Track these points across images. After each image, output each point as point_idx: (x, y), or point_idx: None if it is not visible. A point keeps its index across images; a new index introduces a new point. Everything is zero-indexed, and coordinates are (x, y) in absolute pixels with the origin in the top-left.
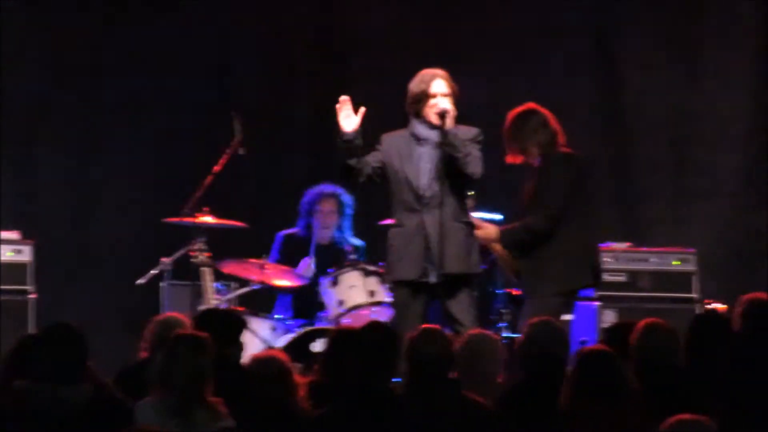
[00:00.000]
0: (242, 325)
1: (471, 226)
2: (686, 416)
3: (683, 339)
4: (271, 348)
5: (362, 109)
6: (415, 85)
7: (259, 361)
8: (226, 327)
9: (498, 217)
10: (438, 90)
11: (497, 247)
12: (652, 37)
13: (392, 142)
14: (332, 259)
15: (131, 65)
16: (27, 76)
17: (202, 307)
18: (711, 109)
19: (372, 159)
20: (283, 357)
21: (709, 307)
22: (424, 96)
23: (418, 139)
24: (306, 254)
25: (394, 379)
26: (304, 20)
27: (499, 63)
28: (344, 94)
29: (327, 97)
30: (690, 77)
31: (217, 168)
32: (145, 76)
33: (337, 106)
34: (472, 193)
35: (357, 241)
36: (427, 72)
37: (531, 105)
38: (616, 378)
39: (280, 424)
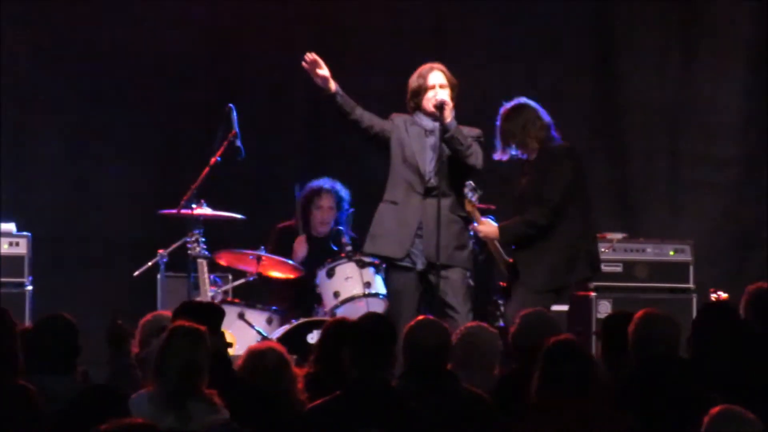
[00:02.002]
0: (222, 316)
1: (466, 220)
2: (731, 407)
3: (689, 329)
4: (266, 339)
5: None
6: (413, 80)
7: (256, 353)
8: (206, 318)
9: (491, 207)
10: (436, 81)
11: (492, 241)
12: (649, 28)
13: (403, 121)
14: (327, 253)
15: (128, 57)
16: (24, 67)
17: (184, 300)
18: (707, 100)
19: (378, 120)
20: (281, 348)
21: (714, 296)
22: (423, 89)
23: (425, 130)
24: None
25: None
26: (301, 13)
27: (497, 56)
28: (342, 84)
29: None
30: (686, 69)
31: (213, 160)
32: (142, 68)
33: (306, 65)
34: (479, 191)
35: (352, 235)
36: (425, 66)
37: (520, 100)
38: (584, 369)
39: (277, 416)
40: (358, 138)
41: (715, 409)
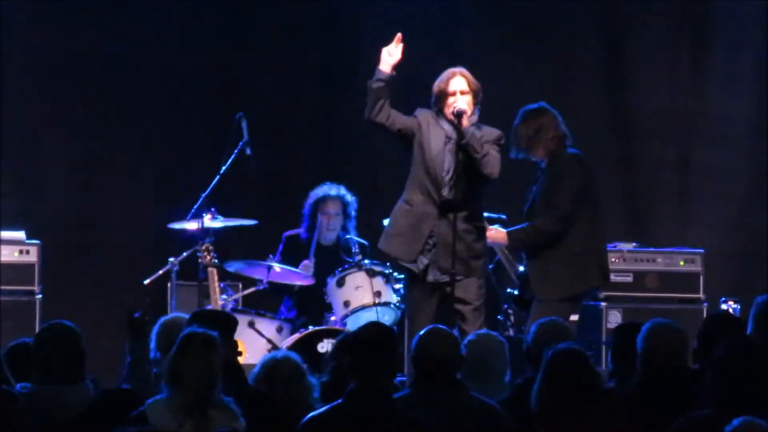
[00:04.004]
0: (234, 324)
1: (481, 229)
2: (751, 420)
3: (696, 340)
4: (275, 348)
5: (400, 45)
6: (436, 84)
7: (272, 362)
8: (219, 326)
9: (501, 217)
10: (456, 87)
11: (502, 247)
12: (659, 37)
13: (429, 120)
14: (336, 261)
15: (138, 65)
16: (32, 76)
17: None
18: (717, 109)
19: (400, 118)
20: (296, 357)
21: (725, 306)
22: (443, 94)
23: (446, 135)
24: (306, 256)
25: (397, 378)
26: (311, 19)
27: (506, 63)
28: (351, 92)
29: (333, 96)
30: (696, 78)
31: (225, 169)
32: (151, 76)
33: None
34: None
35: (360, 240)
36: (448, 71)
37: (541, 104)
38: (586, 379)
39: (291, 425)
40: (382, 134)
41: (735, 422)
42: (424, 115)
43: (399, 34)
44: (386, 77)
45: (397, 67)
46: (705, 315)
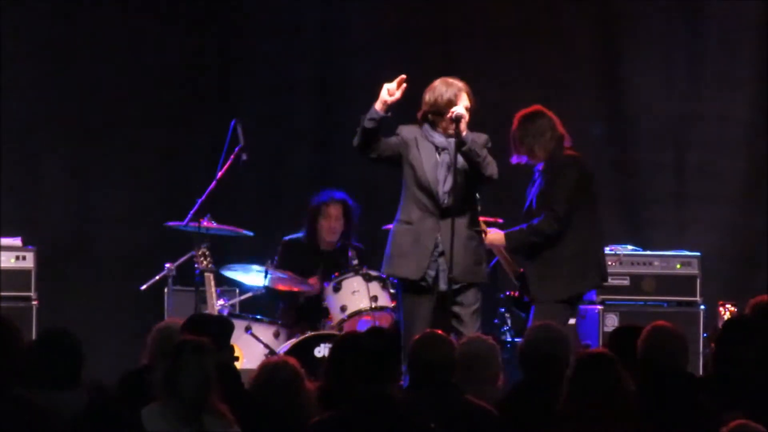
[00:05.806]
0: (231, 329)
1: (480, 234)
2: (748, 422)
3: (702, 344)
4: (272, 353)
5: (403, 84)
6: (439, 96)
7: (270, 367)
8: (216, 331)
9: (498, 220)
10: (464, 104)
11: (500, 249)
12: (655, 40)
13: (413, 137)
14: (334, 266)
15: (134, 71)
16: (28, 81)
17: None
18: (713, 112)
19: (388, 147)
20: (294, 363)
21: (722, 309)
22: (449, 104)
23: (436, 147)
24: (307, 261)
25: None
26: (305, 23)
27: (502, 68)
28: (347, 98)
29: (329, 102)
30: (692, 81)
31: (220, 174)
32: (148, 82)
33: (397, 82)
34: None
35: (357, 245)
36: (452, 85)
37: (538, 107)
38: (615, 381)
39: (287, 430)
40: (367, 161)
41: (732, 423)
42: (408, 131)
43: (402, 76)
44: (380, 117)
45: (391, 108)
46: (702, 317)
